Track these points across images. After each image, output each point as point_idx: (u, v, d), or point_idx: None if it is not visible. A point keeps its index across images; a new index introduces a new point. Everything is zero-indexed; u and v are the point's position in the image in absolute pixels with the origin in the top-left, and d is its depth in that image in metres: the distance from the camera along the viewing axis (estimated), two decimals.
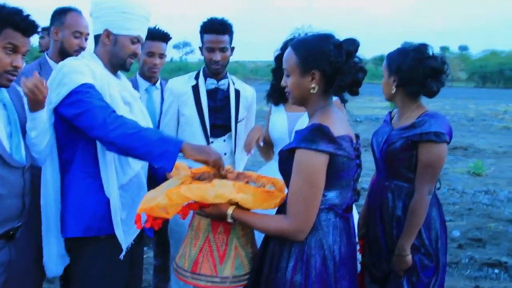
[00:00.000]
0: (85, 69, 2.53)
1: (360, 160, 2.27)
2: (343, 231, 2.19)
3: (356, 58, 2.17)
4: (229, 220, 2.19)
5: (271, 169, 3.12)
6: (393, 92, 2.83)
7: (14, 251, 2.45)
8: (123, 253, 2.62)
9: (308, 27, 3.14)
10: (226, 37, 3.46)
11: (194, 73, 3.66)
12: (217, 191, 2.13)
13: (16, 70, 2.31)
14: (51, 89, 2.51)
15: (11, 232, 2.42)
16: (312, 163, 2.04)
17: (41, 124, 2.46)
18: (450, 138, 2.72)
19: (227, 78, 3.62)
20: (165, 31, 3.73)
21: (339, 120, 2.19)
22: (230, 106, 3.58)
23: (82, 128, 2.46)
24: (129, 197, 2.63)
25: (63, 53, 3.26)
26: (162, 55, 3.77)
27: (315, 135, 2.04)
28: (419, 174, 2.71)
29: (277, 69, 3.31)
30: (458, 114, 22.03)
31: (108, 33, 2.66)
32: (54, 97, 2.50)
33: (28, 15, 2.30)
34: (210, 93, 3.54)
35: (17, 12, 2.28)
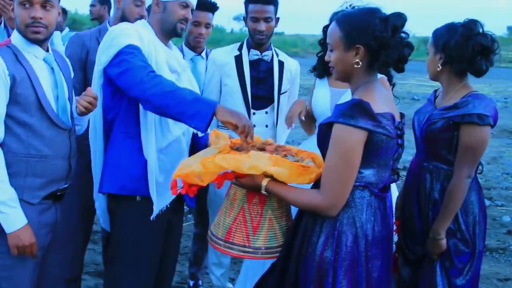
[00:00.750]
0: (132, 32, 2.61)
1: (402, 139, 2.22)
2: (377, 210, 2.16)
3: (403, 33, 2.12)
4: (263, 191, 2.20)
5: (313, 144, 3.10)
6: (438, 69, 2.73)
7: (60, 212, 2.58)
8: (154, 214, 2.66)
9: (358, 1, 3.08)
10: (271, 7, 3.44)
11: (237, 44, 3.67)
12: (252, 163, 2.13)
13: (36, 22, 2.37)
14: (102, 50, 2.62)
15: (58, 193, 2.53)
16: (349, 139, 2.01)
17: (87, 119, 2.65)
18: (495, 122, 2.62)
19: (271, 49, 3.61)
20: (212, 1, 3.72)
21: (382, 97, 2.15)
22: (273, 77, 3.56)
23: (122, 87, 2.54)
24: (168, 161, 2.67)
25: (124, 21, 3.28)
26: (208, 25, 3.76)
27: (355, 111, 2.01)
28: (459, 157, 2.63)
29: (325, 40, 3.26)
30: None
31: (157, 1, 2.72)
32: (103, 58, 2.59)
33: None
34: (253, 63, 3.53)
35: None
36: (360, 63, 2.13)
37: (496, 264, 4.94)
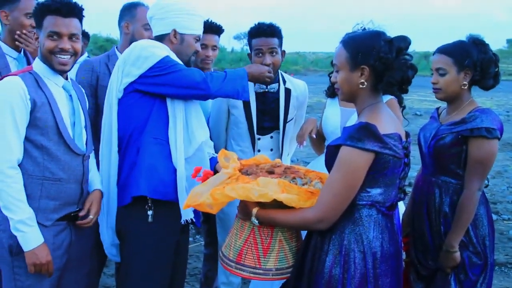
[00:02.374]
0: (162, 46, 2.80)
1: (408, 159, 2.26)
2: (385, 228, 2.19)
3: (407, 56, 2.17)
4: (254, 221, 2.25)
5: (321, 164, 3.13)
6: (464, 88, 2.76)
7: (75, 233, 2.64)
8: (186, 217, 2.78)
9: (369, 23, 3.13)
10: (275, 40, 3.40)
11: None
12: (261, 191, 2.16)
13: (63, 51, 2.50)
14: (126, 63, 2.73)
15: (72, 214, 2.60)
16: (355, 161, 2.06)
17: None
18: (501, 135, 2.67)
19: (277, 80, 3.54)
20: (218, 24, 3.77)
21: (388, 117, 2.19)
22: (279, 108, 3.54)
23: (178, 89, 2.72)
24: (191, 169, 2.72)
25: None
26: (214, 47, 3.80)
27: (362, 134, 2.05)
28: (469, 170, 2.67)
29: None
30: None
31: (175, 32, 2.86)
32: (134, 70, 2.70)
33: None
34: (259, 96, 3.50)
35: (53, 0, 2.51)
36: (365, 83, 2.17)
37: (505, 279, 4.92)
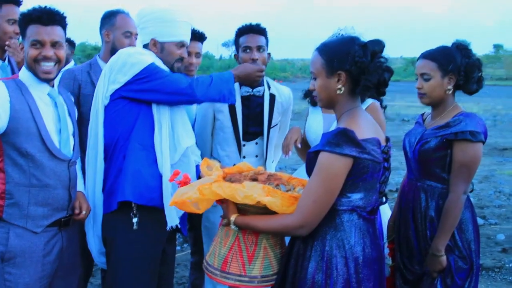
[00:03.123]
0: (148, 53, 2.79)
1: (389, 163, 2.26)
2: (366, 233, 2.19)
3: (382, 58, 2.17)
4: (232, 226, 2.26)
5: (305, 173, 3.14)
6: (449, 92, 2.78)
7: (66, 238, 2.65)
8: (172, 224, 2.76)
9: (351, 29, 3.14)
10: (262, 38, 3.43)
11: None
12: (246, 192, 2.17)
13: (46, 59, 2.51)
14: (113, 70, 2.73)
15: (62, 220, 2.61)
16: (334, 166, 2.06)
17: None
18: (485, 138, 2.68)
19: (263, 85, 3.54)
20: (200, 31, 3.77)
21: (366, 122, 2.20)
22: (263, 113, 3.54)
23: (163, 95, 2.72)
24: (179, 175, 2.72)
25: (114, 53, 3.33)
26: (198, 54, 3.81)
27: (340, 139, 2.06)
28: (454, 174, 2.68)
29: None
30: (510, 114, 21.46)
31: (154, 41, 2.86)
32: (120, 77, 2.70)
33: (45, 6, 2.54)
34: (244, 100, 3.50)
35: (35, 8, 2.54)
36: (343, 89, 2.18)
37: (492, 283, 4.93)
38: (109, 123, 2.77)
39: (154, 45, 2.85)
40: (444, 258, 2.68)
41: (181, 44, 2.89)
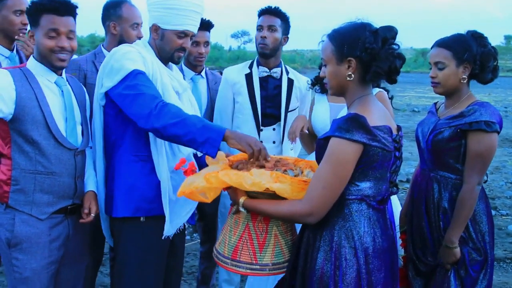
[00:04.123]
0: (136, 55, 2.62)
1: (400, 152, 2.22)
2: (376, 223, 2.15)
3: (394, 45, 2.14)
4: (241, 209, 2.23)
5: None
6: (463, 81, 2.74)
7: (73, 226, 2.66)
8: (171, 232, 2.72)
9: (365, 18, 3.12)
10: (277, 20, 3.54)
11: (248, 62, 3.73)
12: (254, 179, 2.14)
13: (63, 50, 2.51)
14: (103, 72, 2.63)
15: (69, 207, 2.62)
16: (344, 152, 2.02)
17: None
18: (500, 128, 2.64)
19: (280, 66, 3.65)
20: (207, 20, 3.76)
21: (378, 110, 2.16)
22: (281, 95, 3.60)
23: (129, 116, 2.54)
24: (180, 179, 2.64)
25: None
26: (206, 43, 3.80)
27: (350, 125, 2.02)
28: (468, 165, 2.64)
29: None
30: None
31: (156, 27, 2.74)
32: (106, 82, 2.60)
33: None
34: (262, 81, 3.59)
35: None
36: (353, 75, 2.14)
37: (504, 274, 4.90)
38: (107, 123, 2.72)
39: (155, 31, 2.75)
40: (458, 250, 2.65)
41: (184, 34, 2.73)
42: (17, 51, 3.35)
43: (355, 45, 2.10)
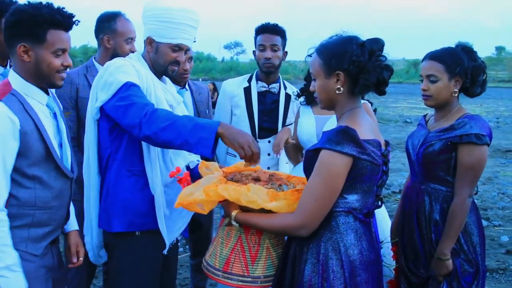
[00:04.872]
0: (130, 68, 2.60)
1: (387, 167, 2.24)
2: (363, 235, 2.16)
3: (381, 57, 2.15)
4: (233, 222, 2.23)
5: (300, 171, 3.13)
6: (455, 95, 2.76)
7: (55, 255, 2.51)
8: (167, 248, 2.71)
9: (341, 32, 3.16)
10: (277, 38, 3.61)
11: (247, 76, 3.79)
12: (251, 197, 2.15)
13: (66, 68, 2.37)
14: (97, 86, 2.60)
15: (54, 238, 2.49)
16: (334, 164, 2.03)
17: None
18: (490, 140, 2.67)
19: (279, 82, 3.72)
20: None
21: (367, 123, 2.18)
22: (278, 110, 3.67)
23: (124, 127, 2.53)
24: (173, 194, 2.65)
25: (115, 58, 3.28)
26: (190, 59, 3.81)
27: (341, 137, 2.04)
28: (459, 177, 2.66)
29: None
30: None
31: (150, 40, 2.72)
32: (101, 96, 2.58)
33: (63, 8, 2.33)
34: (260, 96, 3.64)
35: (52, 8, 2.28)
36: (342, 89, 2.16)
37: (497, 285, 4.91)
38: (101, 138, 2.69)
39: (149, 44, 2.73)
40: (450, 262, 2.66)
41: (178, 48, 2.72)
42: (10, 66, 3.33)
43: (343, 59, 2.12)
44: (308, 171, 2.18)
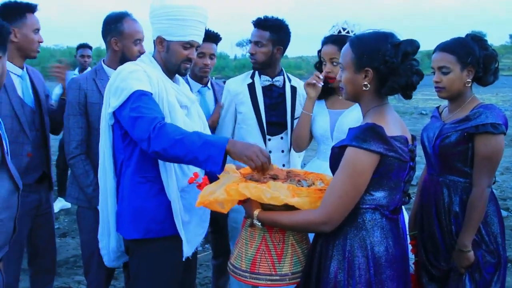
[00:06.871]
0: (141, 75, 2.58)
1: (414, 162, 2.23)
2: (389, 232, 2.15)
3: (414, 61, 2.12)
4: (255, 221, 2.23)
5: (314, 167, 3.14)
6: (468, 85, 2.76)
7: (3, 272, 2.31)
8: (188, 254, 2.70)
9: (343, 23, 3.13)
10: (265, 33, 3.47)
11: (250, 72, 3.71)
12: (273, 193, 2.15)
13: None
14: (110, 92, 2.61)
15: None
16: (361, 162, 2.02)
17: None
18: (506, 129, 2.66)
19: (282, 75, 3.64)
20: (215, 32, 3.76)
21: (394, 119, 2.16)
22: (285, 103, 3.60)
23: (134, 139, 2.54)
24: (191, 198, 2.65)
25: (124, 61, 3.16)
26: (212, 56, 3.80)
27: (367, 135, 2.02)
28: (477, 168, 2.65)
29: (320, 64, 3.32)
30: None
31: (161, 39, 2.71)
32: (113, 101, 2.58)
33: None
34: (265, 90, 3.58)
35: None
36: (369, 86, 2.14)
37: None
38: (115, 143, 2.69)
39: (160, 43, 2.71)
40: (471, 253, 2.66)
41: (189, 45, 2.70)
42: (27, 70, 3.38)
43: (375, 56, 2.09)
44: (334, 168, 2.17)
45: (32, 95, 3.33)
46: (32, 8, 3.28)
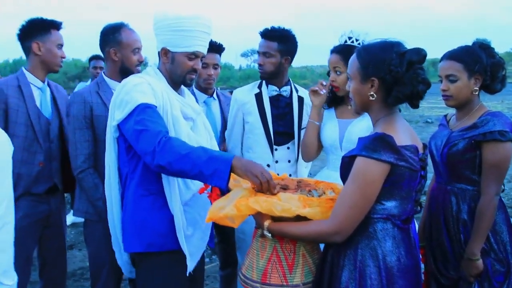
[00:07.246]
0: (146, 87, 2.58)
1: (425, 171, 2.22)
2: (401, 242, 2.14)
3: (419, 70, 2.11)
4: (265, 233, 2.22)
5: (324, 176, 3.12)
6: (475, 93, 2.75)
7: None
8: (191, 269, 2.68)
9: (349, 33, 3.13)
10: (273, 44, 3.50)
11: (257, 82, 3.72)
12: (284, 206, 2.15)
13: None
14: (115, 105, 2.61)
15: None
16: (371, 172, 2.01)
17: None
18: None
19: (289, 85, 3.66)
20: (218, 43, 3.79)
21: (404, 129, 2.16)
22: (293, 113, 3.61)
23: (138, 152, 2.53)
24: (195, 212, 2.67)
25: (124, 71, 3.28)
26: (216, 66, 3.82)
27: (377, 145, 2.01)
28: (485, 175, 2.65)
29: (329, 73, 3.32)
30: None
31: (165, 51, 2.71)
32: (117, 114, 2.58)
33: None
34: (272, 100, 3.59)
35: None
36: (375, 95, 2.14)
37: None
38: (120, 156, 2.70)
39: (165, 55, 2.71)
40: (480, 262, 2.65)
41: (194, 55, 2.70)
42: (48, 83, 3.43)
43: (380, 66, 2.09)
44: (344, 177, 2.16)
45: (51, 108, 3.40)
46: (57, 25, 3.39)
